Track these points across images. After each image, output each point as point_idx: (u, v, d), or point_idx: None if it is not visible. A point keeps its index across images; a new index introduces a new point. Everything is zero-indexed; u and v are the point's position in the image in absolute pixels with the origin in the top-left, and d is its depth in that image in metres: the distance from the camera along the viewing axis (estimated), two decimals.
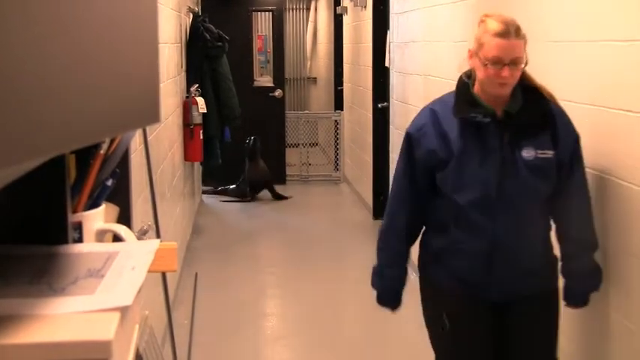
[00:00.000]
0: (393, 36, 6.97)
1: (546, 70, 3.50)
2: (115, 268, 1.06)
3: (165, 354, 3.54)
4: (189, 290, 5.66)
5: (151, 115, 0.97)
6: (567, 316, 2.99)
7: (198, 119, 7.24)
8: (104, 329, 0.84)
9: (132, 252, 1.13)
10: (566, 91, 3.28)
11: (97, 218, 1.32)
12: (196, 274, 6.04)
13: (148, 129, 3.63)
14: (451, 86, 2.91)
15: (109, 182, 1.35)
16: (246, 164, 8.92)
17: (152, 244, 1.18)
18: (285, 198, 9.13)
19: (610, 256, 2.86)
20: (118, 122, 0.88)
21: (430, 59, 5.64)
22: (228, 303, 5.57)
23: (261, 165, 8.94)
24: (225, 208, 8.99)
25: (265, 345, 4.83)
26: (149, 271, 1.17)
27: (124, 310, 0.91)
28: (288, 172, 10.43)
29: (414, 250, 3.08)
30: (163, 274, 3.77)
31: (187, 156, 7.17)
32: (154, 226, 3.53)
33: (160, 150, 4.83)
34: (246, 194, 8.93)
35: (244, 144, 8.84)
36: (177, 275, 5.67)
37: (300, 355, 4.66)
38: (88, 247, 1.22)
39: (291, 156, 10.73)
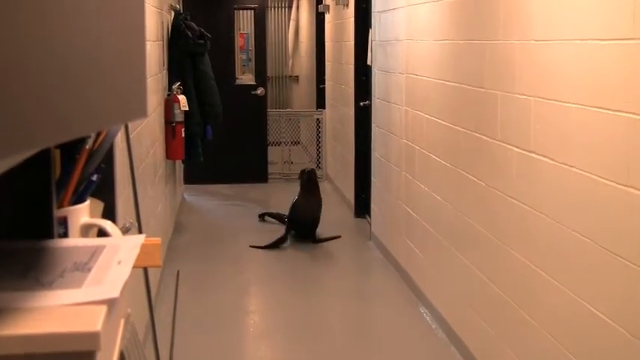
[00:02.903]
0: (375, 34, 6.99)
1: (528, 69, 3.53)
2: (101, 262, 1.06)
3: (148, 352, 3.53)
4: (170, 288, 5.65)
5: (137, 109, 0.97)
6: None
7: (180, 117, 7.23)
8: (92, 321, 0.85)
9: (118, 246, 1.13)
10: (551, 90, 3.32)
11: (83, 213, 1.32)
12: (178, 272, 6.03)
13: (130, 126, 3.62)
14: (434, 85, 2.93)
15: (95, 177, 1.36)
16: (298, 198, 7.27)
17: (137, 239, 1.18)
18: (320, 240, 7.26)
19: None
20: (105, 116, 0.88)
21: (412, 58, 5.66)
22: (210, 301, 5.57)
23: (315, 200, 7.22)
24: (206, 207, 8.98)
25: (248, 342, 4.83)
26: (133, 267, 1.18)
27: (111, 303, 0.91)
28: (270, 171, 10.43)
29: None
30: (145, 272, 3.77)
31: (169, 154, 7.16)
32: (136, 223, 3.52)
33: (141, 148, 4.82)
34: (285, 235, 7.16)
35: (298, 177, 7.45)
36: (159, 273, 5.66)
37: (282, 352, 4.66)
38: (74, 241, 1.22)
39: (273, 154, 10.73)
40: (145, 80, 1.00)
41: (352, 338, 4.94)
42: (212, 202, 9.23)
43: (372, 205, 7.32)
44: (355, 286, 6.22)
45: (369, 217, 7.54)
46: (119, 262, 1.05)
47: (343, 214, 8.47)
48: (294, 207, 7.16)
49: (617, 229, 2.74)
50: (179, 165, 8.63)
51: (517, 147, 3.65)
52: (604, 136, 2.84)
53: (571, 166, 3.09)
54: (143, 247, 1.22)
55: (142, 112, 0.97)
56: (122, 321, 1.23)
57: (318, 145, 11.02)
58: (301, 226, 7.13)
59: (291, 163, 10.87)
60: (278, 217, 7.81)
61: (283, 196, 9.68)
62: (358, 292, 6.12)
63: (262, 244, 6.90)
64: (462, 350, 4.53)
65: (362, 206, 8.07)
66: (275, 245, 6.86)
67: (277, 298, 5.70)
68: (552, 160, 3.26)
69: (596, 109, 2.90)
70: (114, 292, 0.91)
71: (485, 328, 4.20)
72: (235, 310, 5.40)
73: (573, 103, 3.08)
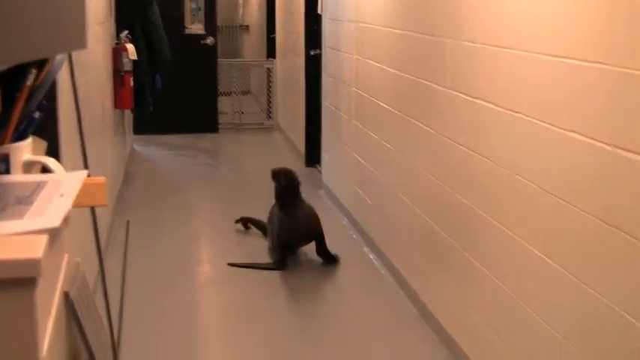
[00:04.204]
0: None
1: (476, 16, 3.55)
2: (43, 195, 1.06)
3: (98, 302, 3.53)
4: (120, 238, 5.63)
5: (77, 40, 0.96)
6: None
7: (128, 66, 7.12)
8: (33, 249, 0.85)
9: (60, 181, 1.13)
10: (499, 38, 3.35)
11: (25, 150, 1.31)
12: (128, 222, 6.02)
13: (76, 73, 3.57)
14: (384, 33, 2.93)
15: (36, 115, 1.34)
16: (274, 215, 5.41)
17: (80, 174, 1.18)
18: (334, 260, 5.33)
19: None
20: (45, 44, 0.88)
21: (362, 6, 5.64)
22: (162, 250, 5.56)
23: (303, 213, 5.33)
24: (156, 157, 8.92)
25: (199, 290, 4.85)
26: (80, 206, 1.18)
27: (52, 233, 0.92)
28: (220, 121, 10.38)
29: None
30: (94, 221, 3.75)
31: (117, 103, 7.08)
32: (84, 168, 3.49)
33: (88, 96, 4.75)
34: (275, 261, 5.22)
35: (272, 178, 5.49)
36: (109, 223, 5.63)
37: (234, 299, 4.69)
38: (16, 177, 1.22)
39: (224, 104, 10.68)
40: (85, 11, 0.99)
41: (304, 281, 4.98)
42: (162, 152, 9.18)
43: (323, 154, 7.35)
44: None
45: (320, 166, 7.58)
46: (62, 195, 1.05)
47: (294, 164, 8.47)
48: (280, 225, 5.22)
49: (560, 174, 2.80)
50: (128, 115, 8.53)
51: (465, 94, 3.69)
52: (548, 82, 2.88)
53: (517, 112, 3.13)
54: (88, 186, 1.23)
55: (81, 43, 0.97)
56: (65, 258, 1.23)
57: (268, 94, 10.99)
58: (296, 243, 5.34)
59: (242, 113, 10.83)
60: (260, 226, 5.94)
61: (234, 147, 9.68)
62: None
63: (240, 262, 5.23)
64: (411, 294, 4.61)
65: (312, 156, 8.09)
66: (268, 268, 5.14)
67: (228, 246, 5.72)
68: (499, 106, 3.31)
69: (540, 55, 2.93)
70: (55, 222, 0.92)
71: (432, 271, 4.27)
72: (187, 258, 5.41)
73: (519, 50, 3.11)
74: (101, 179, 1.33)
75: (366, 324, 4.36)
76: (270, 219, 5.47)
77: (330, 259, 5.27)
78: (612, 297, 2.47)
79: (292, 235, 5.21)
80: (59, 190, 1.09)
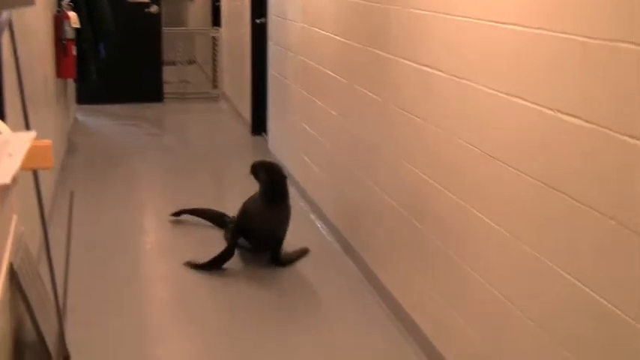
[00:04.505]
0: None
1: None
2: None
3: (42, 272, 3.50)
4: (64, 209, 5.56)
5: None
6: None
7: (70, 34, 7.00)
8: None
9: (8, 141, 1.12)
10: (444, 4, 3.37)
11: None
12: (72, 193, 5.94)
13: (17, 38, 3.50)
14: (329, 1, 2.93)
15: None
16: (252, 206, 4.82)
17: (27, 135, 1.17)
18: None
19: None
20: None
21: None
22: (106, 221, 5.52)
23: (280, 213, 4.80)
24: (100, 127, 8.81)
25: (145, 260, 4.83)
26: (26, 168, 1.17)
27: (1, 190, 0.91)
28: (165, 90, 10.28)
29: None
30: (38, 191, 3.70)
31: (60, 72, 6.96)
32: (25, 125, 3.44)
33: (30, 64, 4.67)
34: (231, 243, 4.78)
35: (251, 172, 4.83)
36: (52, 194, 5.56)
37: (180, 268, 4.68)
38: None
39: (169, 74, 10.57)
40: None
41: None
42: (106, 122, 9.06)
43: (269, 123, 7.34)
44: None
45: (266, 135, 7.57)
46: (10, 155, 1.04)
47: (240, 133, 8.46)
48: (247, 213, 4.81)
49: (504, 139, 2.84)
50: (71, 84, 8.40)
51: (412, 61, 3.71)
52: (492, 49, 2.92)
53: (461, 78, 3.17)
54: (34, 148, 1.21)
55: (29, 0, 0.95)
56: (14, 220, 1.22)
57: (214, 63, 10.90)
58: (254, 240, 4.90)
59: (187, 82, 10.75)
60: (209, 216, 5.49)
61: (179, 116, 9.60)
62: None
63: (198, 262, 4.73)
64: (357, 260, 4.65)
65: (259, 124, 8.07)
66: (217, 262, 4.67)
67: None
68: (444, 73, 3.34)
69: (484, 22, 2.96)
70: (5, 179, 0.91)
71: (379, 237, 4.31)
72: (132, 228, 5.37)
73: (465, 17, 3.14)
74: (47, 142, 1.32)
75: (311, 289, 4.39)
76: (243, 211, 4.82)
77: (281, 262, 4.78)
78: (555, 259, 2.54)
79: (258, 225, 4.76)
80: (7, 149, 1.08)
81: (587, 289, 2.35)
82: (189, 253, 4.89)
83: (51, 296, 3.35)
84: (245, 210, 4.81)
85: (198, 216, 5.44)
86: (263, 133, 7.86)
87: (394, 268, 4.09)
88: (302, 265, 4.74)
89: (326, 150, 5.33)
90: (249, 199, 4.85)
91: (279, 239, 4.82)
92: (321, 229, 5.36)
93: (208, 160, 7.39)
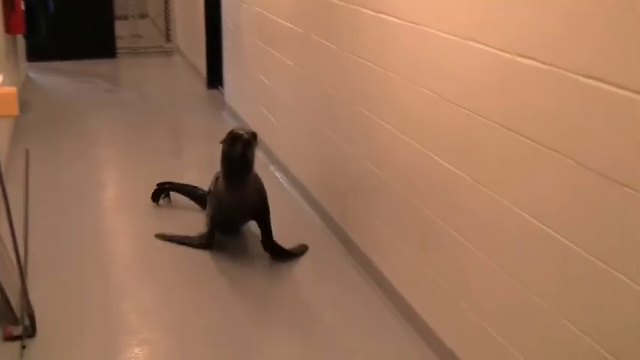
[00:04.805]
0: None
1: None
2: None
3: (2, 231, 3.46)
4: (20, 168, 5.49)
5: None
6: None
7: None
8: None
9: None
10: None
11: None
12: (27, 151, 5.86)
13: None
14: None
15: None
16: (218, 186, 4.21)
17: None
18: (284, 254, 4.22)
19: None
20: None
21: None
22: (63, 178, 5.46)
23: (250, 187, 4.15)
24: (53, 85, 8.66)
25: (104, 215, 4.80)
26: None
27: None
28: (118, 45, 10.13)
29: None
30: None
31: (8, 28, 6.81)
32: None
33: None
34: (203, 238, 4.33)
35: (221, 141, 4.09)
36: (6, 153, 5.48)
37: (139, 221, 4.66)
38: None
39: (121, 28, 10.40)
40: None
41: None
42: (59, 79, 8.91)
43: (225, 76, 7.28)
44: (211, 155, 6.23)
45: (222, 87, 7.51)
46: None
47: (196, 87, 8.39)
48: (215, 202, 4.23)
49: (462, 83, 2.86)
50: (21, 41, 8.23)
51: (367, 8, 3.69)
52: None
53: (418, 24, 3.16)
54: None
55: None
56: None
57: (166, 17, 10.75)
58: (235, 227, 4.49)
59: (140, 36, 10.59)
60: (189, 193, 4.98)
61: (133, 71, 9.48)
62: (214, 160, 6.14)
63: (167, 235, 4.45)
64: (318, 209, 4.68)
65: (214, 77, 8.00)
66: (189, 244, 4.32)
67: (133, 170, 5.65)
68: (401, 19, 3.33)
69: None
70: None
71: (339, 185, 4.33)
72: (90, 184, 5.32)
73: None
74: (12, 89, 1.30)
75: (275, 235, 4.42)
76: (212, 191, 4.29)
77: (278, 253, 4.19)
78: (515, 201, 2.57)
79: (235, 213, 4.23)
80: None
81: (546, 228, 2.40)
82: (150, 207, 4.87)
83: (12, 255, 3.32)
84: (212, 199, 4.24)
85: (178, 192, 4.97)
86: (219, 86, 7.80)
87: (355, 215, 4.12)
88: None
89: (283, 101, 5.32)
90: (213, 181, 4.32)
91: (261, 217, 4.23)
92: (281, 179, 5.36)
93: (165, 114, 7.32)
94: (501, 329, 2.74)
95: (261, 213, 4.24)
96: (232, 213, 4.23)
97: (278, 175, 5.44)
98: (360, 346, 3.36)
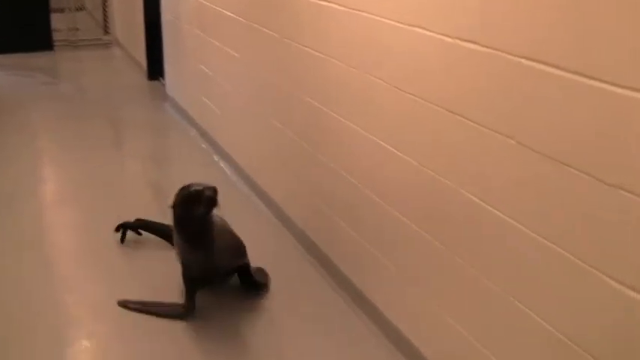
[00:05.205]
0: None
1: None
2: None
3: None
4: None
5: None
6: None
7: None
8: None
9: None
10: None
11: None
12: None
13: None
14: None
15: None
16: (180, 249, 3.55)
17: None
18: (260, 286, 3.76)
19: None
20: None
21: None
22: (3, 172, 5.36)
23: (222, 239, 3.58)
24: None
25: (47, 209, 4.73)
26: None
27: None
28: (55, 38, 9.96)
29: None
30: None
31: None
32: None
33: None
34: (182, 306, 3.54)
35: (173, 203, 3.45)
36: None
37: (82, 216, 4.62)
38: None
39: (58, 21, 10.23)
40: None
41: (151, 194, 4.96)
42: None
43: (166, 67, 7.22)
44: (154, 146, 6.20)
45: (163, 79, 7.45)
46: None
47: (136, 79, 8.31)
48: (185, 263, 3.53)
49: (406, 69, 2.89)
50: None
51: None
52: None
53: (360, 11, 3.19)
54: None
55: None
56: None
57: (104, 9, 10.61)
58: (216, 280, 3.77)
59: (77, 29, 10.44)
60: (156, 230, 4.28)
61: (72, 64, 9.34)
62: (157, 151, 6.11)
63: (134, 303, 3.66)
64: (263, 196, 4.69)
65: (155, 69, 7.94)
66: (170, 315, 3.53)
67: (77, 164, 5.58)
68: (342, 5, 3.35)
69: None
70: None
71: (281, 172, 4.35)
72: (32, 179, 5.25)
73: None
74: None
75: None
76: (182, 262, 3.57)
77: (258, 286, 3.76)
78: (460, 182, 2.62)
79: (213, 275, 3.64)
80: None
81: (490, 208, 2.45)
82: (94, 200, 4.82)
83: None
84: (183, 261, 3.54)
85: (145, 230, 4.29)
86: (160, 78, 7.74)
87: (293, 193, 4.14)
88: None
89: (225, 90, 5.30)
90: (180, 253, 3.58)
91: (239, 267, 3.73)
92: (225, 168, 5.35)
93: (105, 106, 7.23)
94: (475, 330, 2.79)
95: (241, 266, 3.72)
96: (209, 276, 3.60)
97: (222, 164, 5.43)
98: None
